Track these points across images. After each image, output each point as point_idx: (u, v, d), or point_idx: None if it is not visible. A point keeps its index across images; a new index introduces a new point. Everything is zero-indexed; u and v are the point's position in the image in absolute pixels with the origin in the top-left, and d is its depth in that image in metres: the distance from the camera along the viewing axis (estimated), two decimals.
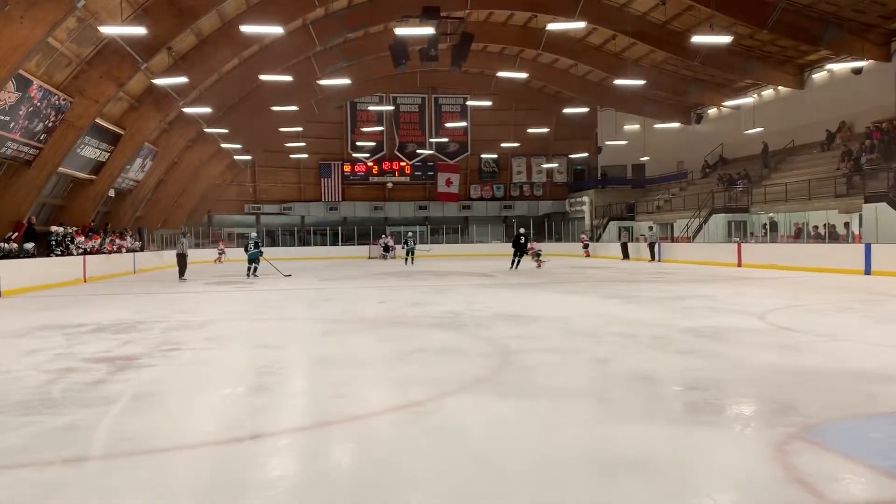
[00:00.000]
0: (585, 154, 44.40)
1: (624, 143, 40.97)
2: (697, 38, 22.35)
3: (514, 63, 35.31)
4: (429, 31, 22.45)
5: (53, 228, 21.11)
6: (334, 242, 41.20)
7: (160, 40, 20.00)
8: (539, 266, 24.36)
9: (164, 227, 35.62)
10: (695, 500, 3.27)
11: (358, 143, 44.11)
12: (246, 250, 22.02)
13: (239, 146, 34.40)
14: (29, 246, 18.62)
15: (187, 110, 26.05)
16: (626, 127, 42.02)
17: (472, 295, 14.14)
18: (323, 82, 29.35)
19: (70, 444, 4.17)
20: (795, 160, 29.72)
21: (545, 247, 34.24)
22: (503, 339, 7.95)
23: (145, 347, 7.75)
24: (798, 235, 24.06)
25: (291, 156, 42.16)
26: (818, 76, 29.31)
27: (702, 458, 3.79)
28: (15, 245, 18.10)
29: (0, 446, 4.15)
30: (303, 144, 40.41)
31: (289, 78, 25.87)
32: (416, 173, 45.76)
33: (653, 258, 29.07)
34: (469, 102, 42.94)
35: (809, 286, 15.00)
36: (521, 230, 25.44)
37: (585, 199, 43.08)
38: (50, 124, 19.26)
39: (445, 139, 44.74)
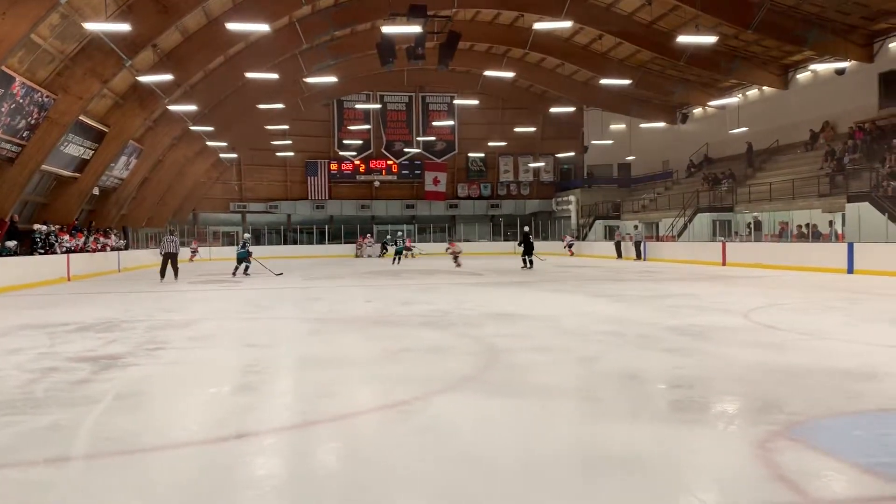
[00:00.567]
0: (572, 153, 44.59)
1: (610, 142, 41.16)
2: (683, 38, 22.49)
3: (500, 62, 35.37)
4: (416, 29, 22.41)
5: (36, 227, 20.92)
6: (321, 241, 41.10)
7: (145, 37, 19.85)
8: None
9: (149, 226, 35.40)
10: (680, 498, 3.29)
11: (345, 142, 44.01)
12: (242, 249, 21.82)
13: (224, 144, 34.25)
14: (11, 244, 18.43)
15: (172, 108, 25.88)
16: (612, 126, 42.21)
17: (461, 294, 14.15)
18: (309, 80, 29.32)
19: (53, 444, 4.14)
20: (779, 160, 29.97)
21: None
22: (491, 338, 7.96)
23: (130, 346, 7.69)
24: (782, 234, 24.26)
25: (278, 154, 42.02)
26: (802, 76, 29.58)
27: (687, 456, 3.82)
28: None
29: None
30: (289, 142, 40.29)
31: (275, 76, 25.76)
32: (404, 172, 45.72)
33: (638, 257, 29.22)
34: (456, 101, 42.97)
35: (793, 285, 15.12)
36: (526, 229, 25.67)
37: (572, 198, 43.24)
38: (33, 121, 19.08)
39: (433, 138, 44.73)
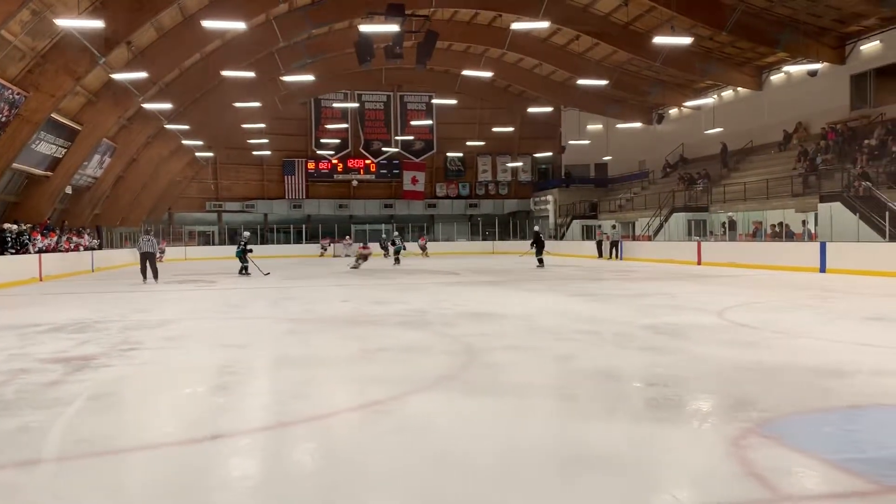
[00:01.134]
0: (550, 153, 44.82)
1: (587, 142, 41.40)
2: (659, 39, 22.68)
3: (479, 62, 35.42)
4: (394, 28, 22.37)
5: (7, 226, 20.57)
6: (298, 241, 40.87)
7: (119, 34, 19.60)
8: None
9: (124, 225, 34.98)
10: (655, 495, 3.32)
11: (322, 141, 43.82)
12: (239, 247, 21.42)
13: (200, 143, 33.95)
14: None
15: (147, 106, 25.60)
16: (590, 127, 42.45)
17: (438, 293, 14.15)
18: (287, 78, 29.16)
19: (23, 447, 4.07)
20: (754, 160, 30.35)
21: (511, 245, 34.51)
22: (468, 337, 7.96)
23: (103, 347, 7.59)
24: (756, 234, 24.55)
25: (254, 153, 41.73)
26: (776, 78, 29.97)
27: (662, 453, 3.85)
28: None
29: None
30: (266, 141, 40.02)
31: (251, 74, 25.58)
32: (382, 171, 45.63)
33: (611, 256, 29.42)
34: (434, 101, 42.95)
35: (767, 284, 15.31)
36: (536, 228, 25.86)
37: (550, 197, 43.43)
38: (3, 119, 18.75)
39: (411, 137, 44.68)
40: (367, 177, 45.56)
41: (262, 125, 38.21)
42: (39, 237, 21.82)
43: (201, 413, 4.91)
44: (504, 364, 6.47)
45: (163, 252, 32.54)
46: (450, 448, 3.96)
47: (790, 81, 29.13)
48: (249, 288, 16.53)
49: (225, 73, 25.18)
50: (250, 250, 21.32)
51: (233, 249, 38.43)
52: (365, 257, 24.16)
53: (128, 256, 30.25)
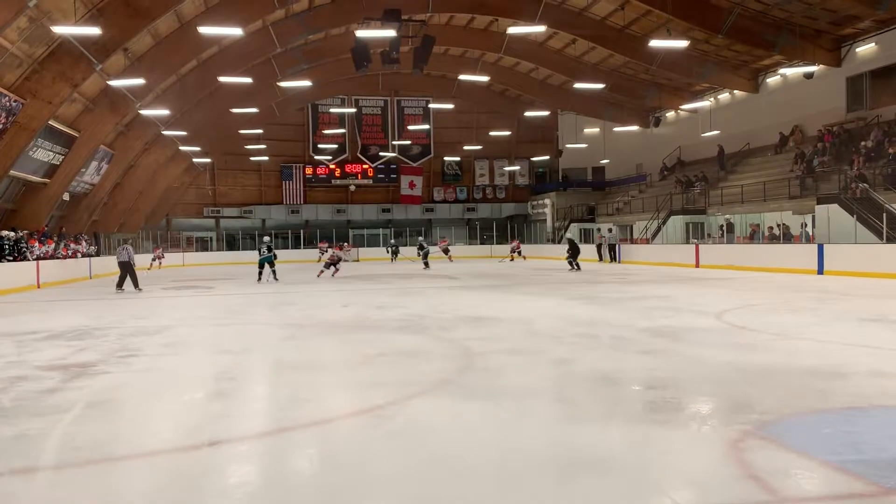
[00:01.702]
0: (547, 157, 44.88)
1: (584, 146, 41.45)
2: (655, 43, 22.74)
3: (475, 66, 35.46)
4: (390, 33, 22.40)
5: (4, 233, 20.54)
6: (296, 245, 40.87)
7: (116, 41, 19.60)
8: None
9: (122, 231, 34.93)
10: (654, 498, 3.31)
11: (320, 146, 43.84)
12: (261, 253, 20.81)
13: (198, 148, 33.94)
14: None
15: (144, 112, 25.60)
16: (587, 130, 42.51)
17: (437, 297, 14.15)
18: (283, 84, 29.14)
19: (20, 455, 4.06)
20: (751, 162, 30.40)
21: (509, 249, 34.50)
22: (466, 341, 7.96)
23: (101, 354, 7.58)
24: (753, 236, 24.58)
25: (252, 158, 41.74)
26: (772, 80, 30.04)
27: (660, 456, 3.84)
28: None
29: None
30: (263, 147, 40.04)
31: (248, 80, 25.60)
32: (379, 176, 45.64)
33: (607, 259, 29.42)
34: (431, 105, 42.94)
35: (764, 286, 15.33)
36: (570, 235, 25.73)
37: (547, 201, 43.46)
38: (0, 126, 18.74)
39: (408, 142, 44.70)
40: (365, 181, 45.57)
41: (260, 131, 38.24)
42: (37, 244, 21.77)
43: (200, 419, 4.90)
44: (502, 368, 6.47)
45: (161, 259, 32.49)
46: (449, 452, 3.96)
47: (786, 84, 29.19)
48: (248, 294, 16.51)
49: (222, 78, 25.21)
50: (275, 256, 20.81)
51: (231, 255, 38.59)
52: (335, 264, 22.68)
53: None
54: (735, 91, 31.86)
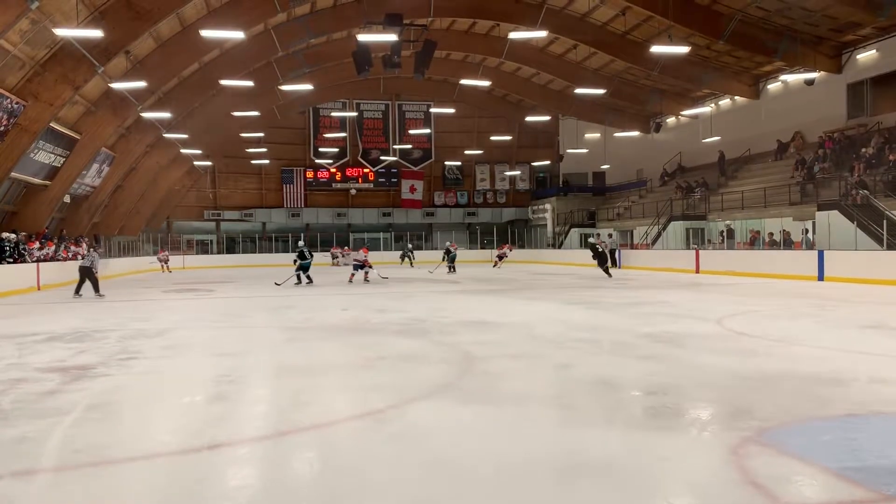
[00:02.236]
0: (548, 162, 44.91)
1: (585, 151, 41.49)
2: (656, 49, 22.76)
3: (477, 71, 35.52)
4: (392, 37, 22.42)
5: (5, 235, 20.55)
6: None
7: (118, 44, 19.64)
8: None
9: (122, 234, 34.95)
10: None
11: (321, 150, 43.89)
12: (301, 258, 20.48)
13: (199, 152, 33.99)
14: None
15: (146, 115, 25.64)
16: (587, 135, 42.54)
17: (437, 301, 14.15)
18: (285, 87, 29.17)
19: (20, 457, 4.06)
20: (751, 168, 30.41)
21: (510, 253, 34.47)
22: (466, 346, 7.96)
23: (101, 356, 7.58)
24: (754, 242, 24.58)
25: (253, 161, 41.75)
26: (773, 87, 30.07)
27: (661, 462, 3.84)
28: None
29: None
30: (264, 150, 40.08)
31: (250, 83, 25.63)
32: (380, 180, 45.66)
33: (612, 264, 29.39)
34: (433, 109, 43.01)
35: (765, 292, 15.32)
36: (591, 239, 24.54)
37: (548, 206, 43.48)
38: (2, 128, 18.78)
39: (409, 146, 44.73)
40: (366, 185, 45.59)
41: (261, 134, 38.28)
42: (37, 245, 21.77)
43: (200, 422, 4.89)
44: (502, 372, 6.47)
45: (167, 261, 32.50)
46: (448, 456, 3.96)
47: (787, 90, 29.23)
48: (248, 297, 16.52)
49: (224, 82, 25.23)
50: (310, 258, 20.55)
51: (231, 258, 38.58)
52: (363, 267, 21.67)
53: (127, 265, 30.25)
54: (736, 97, 31.89)
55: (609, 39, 28.54)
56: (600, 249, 22.76)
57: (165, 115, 25.94)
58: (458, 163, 45.89)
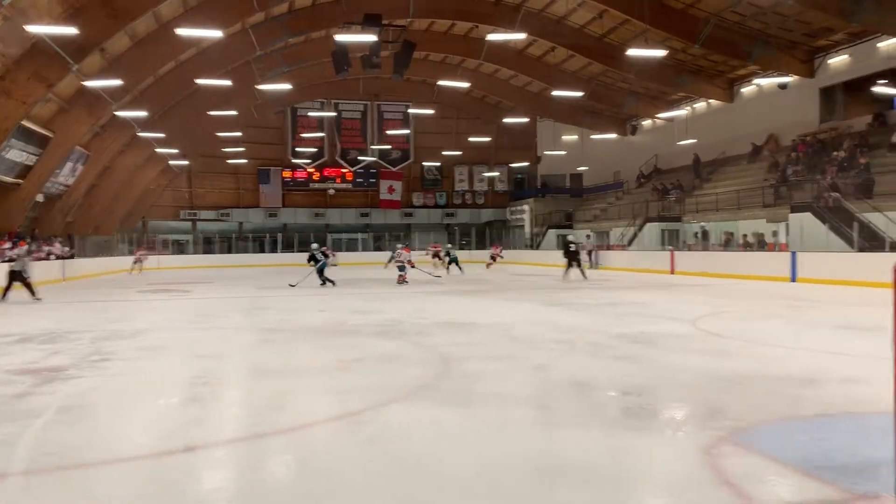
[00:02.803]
0: (526, 163, 45.10)
1: (563, 153, 41.74)
2: (633, 52, 22.96)
3: (456, 72, 35.58)
4: (371, 38, 22.40)
5: None
6: (273, 249, 40.60)
7: (92, 41, 19.41)
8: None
9: (97, 234, 34.49)
10: None
11: (298, 149, 43.69)
12: (313, 261, 19.42)
13: (175, 151, 33.65)
14: None
15: (121, 114, 25.33)
16: (565, 137, 42.79)
17: (414, 302, 14.14)
18: (263, 87, 28.99)
19: None
20: (726, 171, 30.75)
21: (488, 255, 34.53)
22: (445, 347, 7.96)
23: (74, 358, 7.48)
24: (728, 244, 24.85)
25: (229, 161, 41.43)
26: (747, 90, 30.45)
27: (636, 462, 3.88)
28: None
29: None
30: (241, 150, 39.79)
31: (227, 82, 25.44)
32: (358, 180, 45.55)
33: (586, 265, 29.52)
34: (411, 110, 43.00)
35: (738, 293, 15.50)
36: (570, 237, 23.19)
37: (526, 207, 43.66)
38: None
39: (388, 146, 44.69)
40: (344, 186, 45.45)
41: (238, 133, 37.97)
42: (9, 245, 21.40)
43: (175, 425, 4.85)
44: (480, 374, 6.48)
45: (142, 262, 31.87)
46: (425, 458, 3.96)
47: (761, 94, 29.61)
48: (225, 298, 16.39)
49: (200, 81, 25.01)
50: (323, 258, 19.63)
51: (207, 258, 38.19)
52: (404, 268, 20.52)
53: (102, 265, 29.85)
54: (711, 100, 32.26)
55: (586, 42, 28.75)
56: (572, 248, 21.66)
57: (141, 113, 25.66)
58: (437, 164, 45.94)
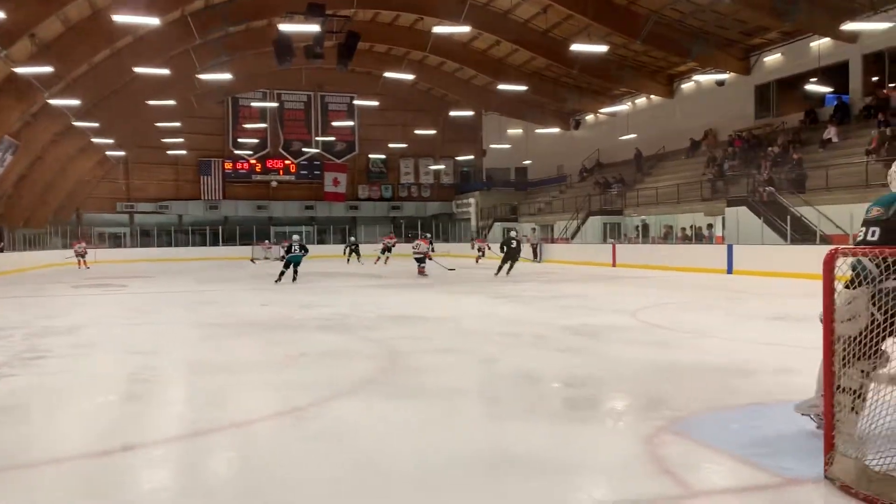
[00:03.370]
0: (471, 157, 45.29)
1: (508, 146, 42.04)
2: (576, 47, 23.26)
3: (401, 64, 35.39)
4: (314, 28, 22.11)
5: None
6: (214, 243, 39.83)
7: (21, 26, 18.66)
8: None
9: (28, 226, 33.23)
10: (573, 495, 3.40)
11: (240, 140, 42.89)
12: (288, 252, 18.16)
13: (111, 141, 32.63)
14: None
15: (53, 102, 24.42)
16: (510, 131, 43.10)
17: (360, 296, 14.07)
18: (203, 76, 28.31)
19: None
20: (665, 165, 31.46)
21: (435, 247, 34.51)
22: (392, 341, 7.95)
23: (5, 356, 7.20)
24: (667, 237, 25.45)
25: (169, 152, 40.42)
26: (686, 86, 31.19)
27: (580, 453, 3.94)
28: None
29: None
30: (181, 140, 38.86)
31: (166, 71, 24.76)
32: (302, 172, 44.99)
33: (535, 258, 29.92)
34: (356, 102, 42.65)
35: (677, 285, 15.91)
36: (513, 233, 21.47)
37: (471, 200, 43.86)
38: None
39: (332, 138, 44.24)
40: (287, 178, 44.82)
41: (178, 124, 37.01)
42: None
43: (112, 423, 4.72)
44: (427, 367, 6.49)
45: (84, 255, 30.58)
46: (372, 453, 3.94)
47: (700, 90, 30.38)
48: (165, 292, 16.01)
49: (138, 69, 24.27)
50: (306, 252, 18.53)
51: (145, 252, 37.20)
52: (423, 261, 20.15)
53: (33, 259, 28.78)
54: (652, 96, 32.93)
55: (530, 37, 28.97)
56: (514, 245, 19.66)
57: (75, 102, 24.78)
58: (383, 156, 45.72)
